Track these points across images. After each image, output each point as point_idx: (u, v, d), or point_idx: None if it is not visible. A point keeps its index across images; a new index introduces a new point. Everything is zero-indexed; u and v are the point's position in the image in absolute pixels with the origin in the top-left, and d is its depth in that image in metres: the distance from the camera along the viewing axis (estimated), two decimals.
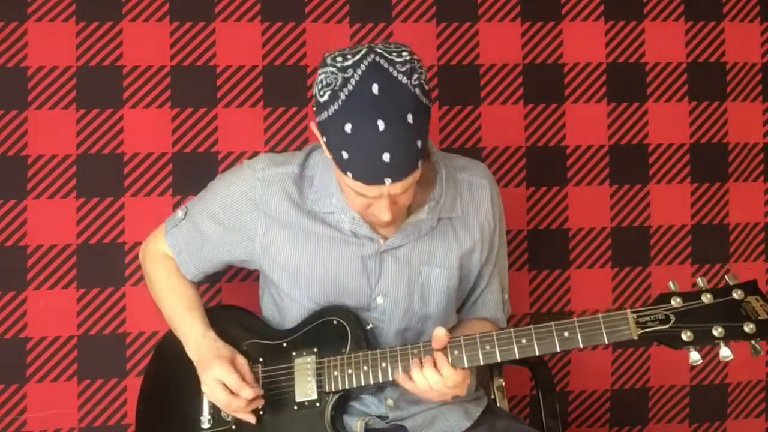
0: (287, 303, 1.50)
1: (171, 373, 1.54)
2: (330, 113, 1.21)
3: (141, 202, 1.99)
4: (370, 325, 1.44)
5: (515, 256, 2.12)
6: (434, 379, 1.28)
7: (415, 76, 1.21)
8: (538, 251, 2.14)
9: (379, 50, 1.22)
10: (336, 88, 1.20)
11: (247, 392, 1.37)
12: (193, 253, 1.54)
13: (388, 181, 1.23)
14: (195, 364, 1.44)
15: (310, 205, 1.45)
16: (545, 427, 1.62)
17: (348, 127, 1.19)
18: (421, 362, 1.29)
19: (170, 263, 1.57)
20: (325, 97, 1.21)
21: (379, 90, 1.18)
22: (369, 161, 1.21)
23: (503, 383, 1.77)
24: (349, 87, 1.19)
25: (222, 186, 1.53)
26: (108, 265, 1.98)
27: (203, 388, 1.42)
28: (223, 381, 1.37)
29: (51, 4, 1.97)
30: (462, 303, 1.58)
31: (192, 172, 2.00)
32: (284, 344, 1.46)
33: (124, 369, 1.98)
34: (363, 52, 1.22)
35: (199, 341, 1.45)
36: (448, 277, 1.47)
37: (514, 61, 2.13)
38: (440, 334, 1.29)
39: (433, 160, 1.48)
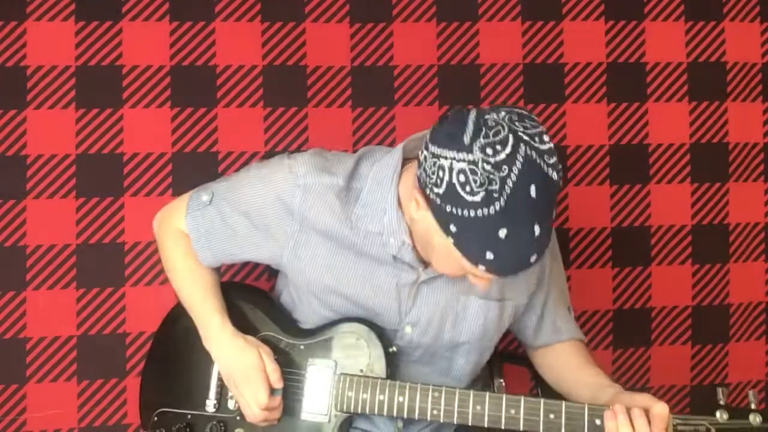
0: (306, 308, 1.43)
1: (182, 344, 1.48)
2: (482, 214, 1.09)
3: (141, 202, 1.99)
4: (394, 348, 1.38)
5: None
6: None
7: (560, 167, 1.13)
8: None
9: (525, 137, 1.10)
10: (492, 188, 1.08)
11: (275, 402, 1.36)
12: (215, 243, 1.43)
13: (512, 276, 1.16)
14: (216, 361, 1.40)
15: (355, 221, 1.34)
16: None
17: (502, 233, 1.09)
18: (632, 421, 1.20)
19: (188, 242, 1.46)
20: (477, 198, 1.08)
21: (536, 192, 1.08)
22: (514, 262, 1.12)
23: (503, 383, 1.77)
24: (507, 190, 1.07)
25: (258, 185, 1.39)
26: (108, 265, 1.98)
27: (237, 397, 1.38)
28: (262, 405, 1.34)
29: (50, 4, 1.97)
30: (525, 333, 1.51)
31: (192, 172, 1.99)
32: (302, 347, 1.41)
33: (124, 369, 1.98)
34: (511, 141, 1.09)
35: (218, 336, 1.39)
36: (486, 308, 1.38)
37: (514, 61, 2.13)
38: (664, 413, 1.19)
39: None
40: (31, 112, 1.97)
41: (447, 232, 1.14)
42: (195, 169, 2.00)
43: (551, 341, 1.50)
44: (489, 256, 1.11)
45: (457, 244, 1.13)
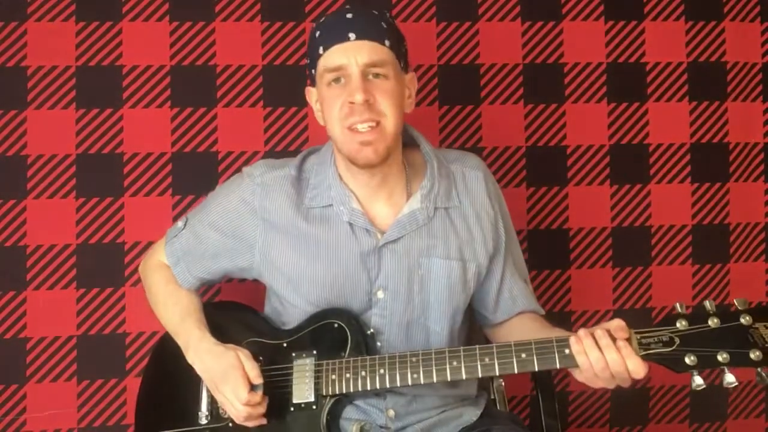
0: (289, 310, 1.50)
1: (171, 368, 1.53)
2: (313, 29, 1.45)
3: (141, 202, 1.99)
4: (371, 330, 1.44)
5: None
6: (614, 357, 1.22)
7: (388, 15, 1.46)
8: (538, 251, 2.13)
9: None
10: (319, 21, 1.46)
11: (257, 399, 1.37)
12: (192, 262, 1.55)
13: (352, 36, 1.37)
14: (199, 372, 1.43)
15: (308, 203, 1.48)
16: (545, 427, 1.61)
17: (321, 21, 1.44)
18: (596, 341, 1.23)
19: (168, 272, 1.58)
20: (314, 28, 1.44)
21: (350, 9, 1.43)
22: (334, 24, 1.41)
23: (503, 384, 1.77)
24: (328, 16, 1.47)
25: (222, 195, 1.56)
26: (108, 265, 1.98)
27: (220, 398, 1.40)
28: (243, 400, 1.35)
29: (51, 4, 1.97)
30: (486, 304, 1.56)
31: (192, 172, 2.00)
32: (284, 344, 1.46)
33: (123, 369, 1.98)
34: None
35: (197, 346, 1.44)
36: (448, 268, 1.47)
37: (514, 61, 2.13)
38: (622, 324, 1.24)
39: (423, 151, 1.52)
40: (32, 112, 1.97)
41: (313, 67, 1.44)
42: (195, 169, 2.00)
43: (510, 313, 1.55)
44: (317, 33, 1.42)
45: (318, 62, 1.42)
